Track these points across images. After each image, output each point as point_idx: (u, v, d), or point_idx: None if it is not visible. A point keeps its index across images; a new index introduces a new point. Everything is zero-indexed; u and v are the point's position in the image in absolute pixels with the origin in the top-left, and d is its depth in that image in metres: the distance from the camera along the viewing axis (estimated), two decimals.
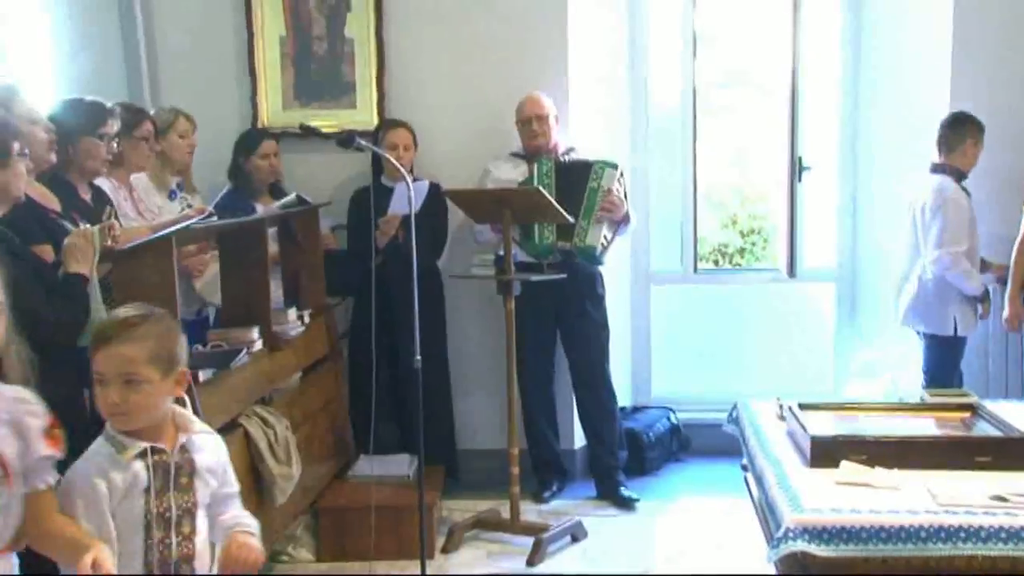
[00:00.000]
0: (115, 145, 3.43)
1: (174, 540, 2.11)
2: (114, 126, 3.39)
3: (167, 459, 2.12)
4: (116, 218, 3.41)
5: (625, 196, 4.58)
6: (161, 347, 2.11)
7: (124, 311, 2.17)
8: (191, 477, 2.15)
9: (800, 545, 2.35)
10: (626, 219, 4.61)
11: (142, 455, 2.10)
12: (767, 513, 2.69)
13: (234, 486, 2.29)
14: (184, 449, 2.16)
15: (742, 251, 7.39)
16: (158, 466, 2.11)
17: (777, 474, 2.73)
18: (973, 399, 3.27)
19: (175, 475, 2.13)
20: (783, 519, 2.44)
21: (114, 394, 2.04)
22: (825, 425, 3.01)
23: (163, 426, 2.15)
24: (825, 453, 2.75)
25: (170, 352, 2.14)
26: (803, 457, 2.84)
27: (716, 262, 7.24)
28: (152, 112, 4.07)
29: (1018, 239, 4.28)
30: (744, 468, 3.35)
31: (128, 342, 2.06)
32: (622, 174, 4.55)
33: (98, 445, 2.12)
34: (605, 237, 4.52)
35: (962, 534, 2.33)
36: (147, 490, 2.09)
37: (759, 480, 2.87)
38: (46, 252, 2.92)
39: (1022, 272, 4.26)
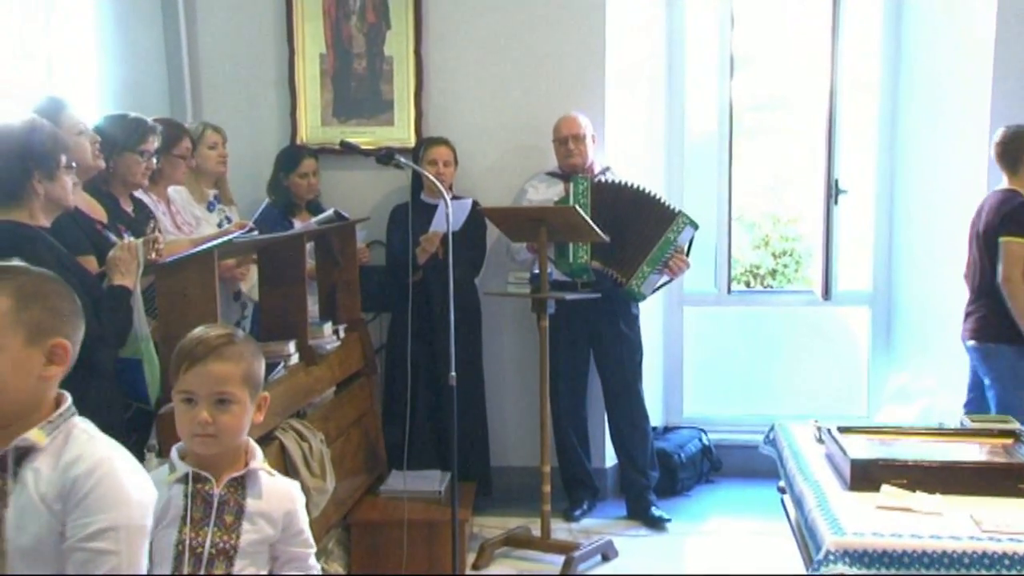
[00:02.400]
0: (155, 161, 3.48)
1: None
2: (155, 143, 3.45)
3: (210, 489, 2.02)
4: (159, 231, 3.46)
5: (687, 252, 4.54)
6: (252, 367, 2.04)
7: (208, 329, 2.06)
8: (237, 517, 2.02)
9: (841, 568, 2.35)
10: None
11: (183, 480, 2.01)
12: (806, 536, 2.67)
13: (305, 547, 2.13)
14: (237, 485, 2.05)
15: (774, 272, 7.37)
16: (198, 495, 2.01)
17: (817, 497, 2.72)
18: (1015, 425, 3.24)
19: (218, 510, 2.01)
20: (823, 542, 2.43)
21: (205, 413, 1.96)
22: (864, 449, 3.00)
23: (236, 457, 2.07)
24: (865, 477, 2.74)
25: (259, 374, 2.07)
26: (843, 480, 2.82)
27: (748, 283, 7.23)
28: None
29: (1003, 279, 4.07)
30: (781, 490, 3.33)
31: (223, 360, 1.99)
32: (694, 237, 4.53)
33: (160, 467, 2.08)
34: (656, 287, 4.53)
35: (1006, 561, 2.31)
36: (183, 519, 1.99)
37: (798, 503, 2.86)
38: (90, 263, 2.96)
39: None
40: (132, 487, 1.68)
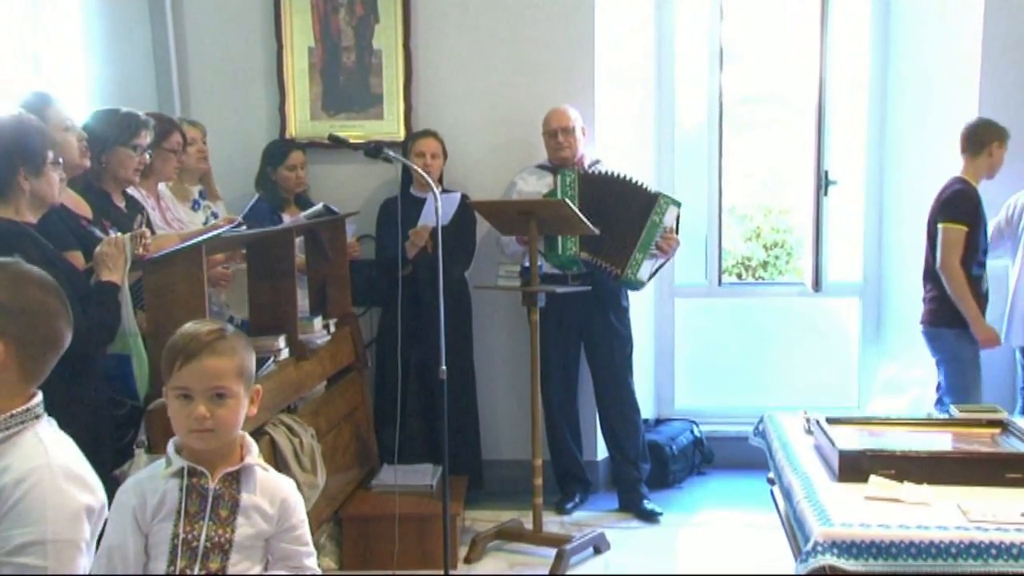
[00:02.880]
0: (148, 156, 3.47)
1: (196, 572, 1.97)
2: (147, 137, 3.44)
3: (205, 484, 2.01)
4: (149, 226, 3.45)
5: (676, 231, 4.55)
6: (245, 361, 2.05)
7: (198, 325, 2.05)
8: (232, 511, 2.02)
9: (829, 559, 2.35)
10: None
11: (179, 475, 2.01)
12: (795, 527, 2.68)
13: (298, 544, 2.10)
14: (232, 480, 2.04)
15: (765, 264, 7.38)
16: (193, 489, 2.01)
17: (805, 488, 2.72)
18: (1003, 415, 3.25)
19: (213, 504, 2.01)
20: (812, 533, 2.43)
21: (203, 408, 1.96)
22: (853, 439, 3.01)
23: (231, 451, 2.07)
24: (853, 467, 2.75)
25: (251, 366, 2.08)
26: (831, 471, 2.83)
27: (739, 275, 7.23)
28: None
29: (940, 264, 4.28)
30: (770, 481, 3.34)
31: (216, 355, 1.99)
32: (679, 214, 4.54)
33: (153, 463, 2.08)
34: (652, 271, 4.53)
35: (993, 551, 2.32)
36: (178, 513, 1.99)
37: (787, 494, 2.86)
38: (77, 259, 2.96)
39: (966, 295, 4.23)
40: (64, 498, 1.62)
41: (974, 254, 4.26)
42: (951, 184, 4.32)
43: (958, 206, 4.25)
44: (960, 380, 4.30)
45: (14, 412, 1.69)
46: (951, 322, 4.30)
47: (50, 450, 1.67)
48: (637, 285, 4.52)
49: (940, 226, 4.25)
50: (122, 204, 3.44)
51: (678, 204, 4.50)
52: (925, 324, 4.43)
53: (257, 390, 2.10)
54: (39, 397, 1.76)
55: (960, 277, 4.22)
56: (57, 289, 1.81)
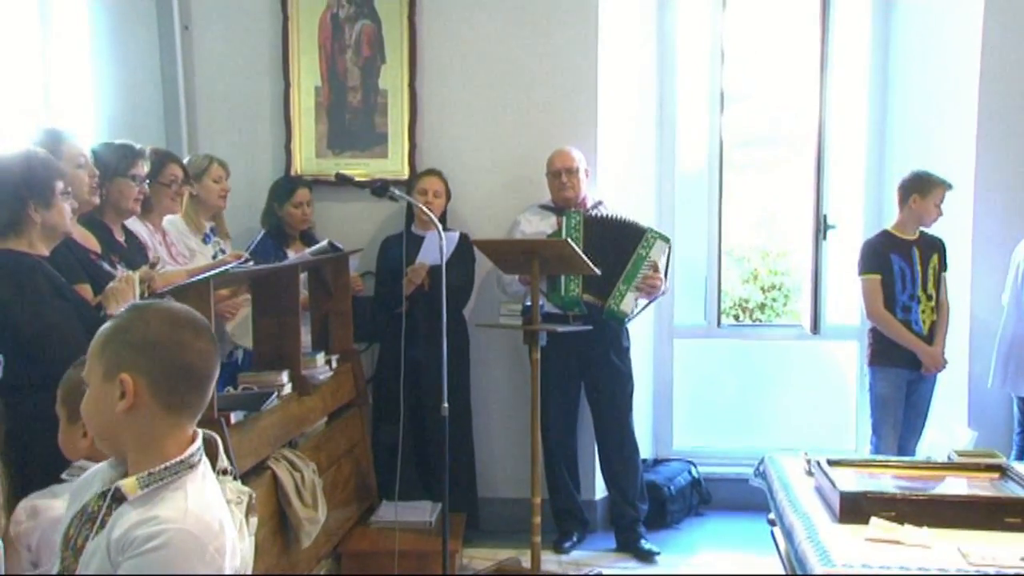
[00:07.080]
0: (146, 186, 3.50)
1: None
2: (144, 167, 3.47)
3: None
4: (158, 260, 3.48)
5: (666, 272, 4.58)
6: None
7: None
8: None
9: None
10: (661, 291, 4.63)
11: None
12: (796, 568, 2.70)
13: None
14: None
15: (762, 306, 7.42)
16: None
17: (807, 529, 2.74)
18: (1001, 460, 3.27)
19: None
20: (813, 574, 2.45)
21: None
22: (853, 481, 3.03)
23: None
24: (854, 509, 2.77)
25: None
26: (832, 513, 2.85)
27: (737, 317, 7.27)
28: (186, 159, 4.15)
29: (867, 314, 4.65)
30: (771, 522, 3.36)
31: None
32: (670, 249, 4.57)
33: None
34: (637, 304, 4.55)
35: None
36: None
37: (788, 534, 2.88)
38: (86, 291, 2.98)
39: (900, 331, 4.53)
40: (177, 568, 1.58)
41: (893, 298, 4.54)
42: (871, 237, 4.72)
43: (865, 258, 4.63)
44: (874, 414, 4.65)
45: (168, 464, 1.67)
46: (872, 361, 4.66)
47: (189, 514, 1.63)
48: (619, 315, 4.51)
49: (859, 279, 4.62)
50: (122, 238, 3.46)
51: (666, 239, 4.53)
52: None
53: None
54: (196, 444, 1.74)
55: (887, 318, 4.55)
56: (192, 323, 1.74)
